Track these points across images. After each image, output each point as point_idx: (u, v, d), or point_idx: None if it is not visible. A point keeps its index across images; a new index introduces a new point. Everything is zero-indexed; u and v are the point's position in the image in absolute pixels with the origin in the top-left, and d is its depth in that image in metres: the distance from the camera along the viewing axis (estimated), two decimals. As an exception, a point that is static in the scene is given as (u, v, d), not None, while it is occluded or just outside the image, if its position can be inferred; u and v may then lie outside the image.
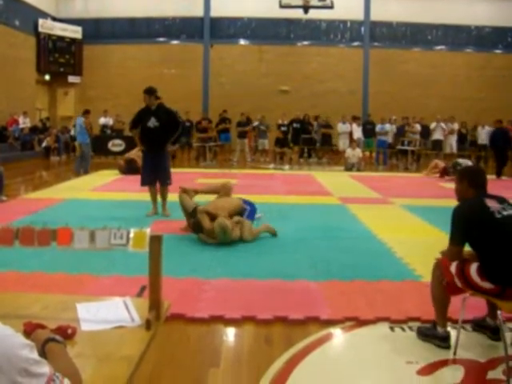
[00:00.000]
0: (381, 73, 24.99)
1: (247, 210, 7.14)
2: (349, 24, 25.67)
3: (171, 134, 8.47)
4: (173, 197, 8.48)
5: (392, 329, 4.13)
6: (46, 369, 1.38)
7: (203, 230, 6.70)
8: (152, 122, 8.29)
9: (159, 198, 8.61)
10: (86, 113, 15.36)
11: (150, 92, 8.40)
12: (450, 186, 12.46)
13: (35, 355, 1.38)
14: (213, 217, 6.66)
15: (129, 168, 14.19)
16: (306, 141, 20.34)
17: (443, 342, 3.75)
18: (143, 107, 8.59)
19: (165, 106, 8.62)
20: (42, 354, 1.67)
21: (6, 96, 20.89)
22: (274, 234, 7.10)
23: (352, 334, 4.07)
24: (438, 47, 25.57)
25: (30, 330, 2.05)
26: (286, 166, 18.35)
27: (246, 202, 7.31)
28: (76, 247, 2.55)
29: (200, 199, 7.59)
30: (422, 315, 4.21)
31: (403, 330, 4.11)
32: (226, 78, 24.95)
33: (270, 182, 13.84)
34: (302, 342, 3.85)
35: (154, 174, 8.47)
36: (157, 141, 8.34)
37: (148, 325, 2.41)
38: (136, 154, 13.79)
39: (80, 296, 3.22)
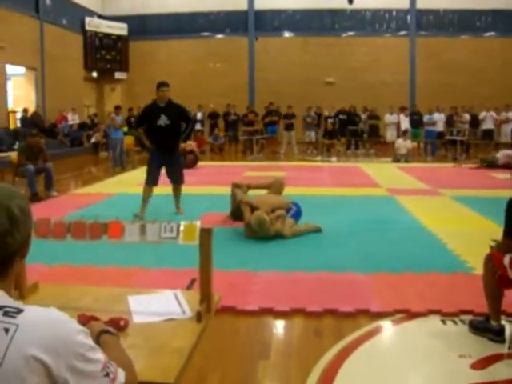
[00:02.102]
0: (428, 62, 24.51)
1: (292, 210, 6.93)
2: (394, 13, 25.25)
3: (183, 131, 8.09)
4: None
5: (444, 322, 4.06)
6: (100, 355, 1.39)
7: (243, 219, 6.70)
8: (163, 120, 7.79)
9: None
10: (115, 109, 15.77)
11: (167, 85, 7.96)
12: (502, 176, 12.26)
13: (90, 341, 1.39)
14: (254, 209, 6.63)
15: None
16: (353, 132, 20.16)
17: (497, 335, 3.66)
18: (150, 104, 8.26)
19: (173, 101, 8.13)
20: (97, 345, 1.69)
21: (54, 93, 21.37)
22: (318, 230, 6.91)
23: (403, 326, 4.02)
24: (488, 34, 24.88)
25: (84, 322, 2.07)
26: (334, 158, 18.19)
27: (294, 203, 7.09)
28: (127, 240, 2.58)
29: (253, 194, 7.50)
30: (475, 308, 4.12)
31: (455, 323, 4.04)
32: (271, 70, 24.86)
33: (317, 174, 13.76)
34: (352, 335, 3.83)
35: (160, 174, 8.13)
36: (169, 139, 7.90)
37: (199, 317, 2.42)
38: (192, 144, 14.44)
39: (131, 289, 3.26)
